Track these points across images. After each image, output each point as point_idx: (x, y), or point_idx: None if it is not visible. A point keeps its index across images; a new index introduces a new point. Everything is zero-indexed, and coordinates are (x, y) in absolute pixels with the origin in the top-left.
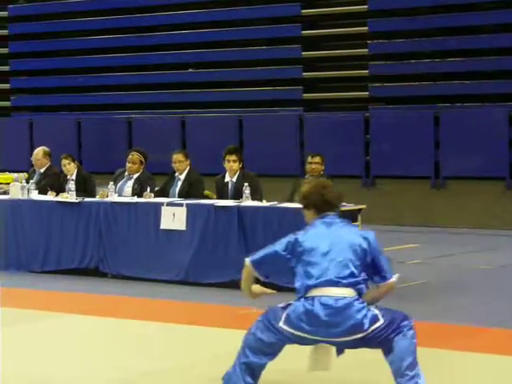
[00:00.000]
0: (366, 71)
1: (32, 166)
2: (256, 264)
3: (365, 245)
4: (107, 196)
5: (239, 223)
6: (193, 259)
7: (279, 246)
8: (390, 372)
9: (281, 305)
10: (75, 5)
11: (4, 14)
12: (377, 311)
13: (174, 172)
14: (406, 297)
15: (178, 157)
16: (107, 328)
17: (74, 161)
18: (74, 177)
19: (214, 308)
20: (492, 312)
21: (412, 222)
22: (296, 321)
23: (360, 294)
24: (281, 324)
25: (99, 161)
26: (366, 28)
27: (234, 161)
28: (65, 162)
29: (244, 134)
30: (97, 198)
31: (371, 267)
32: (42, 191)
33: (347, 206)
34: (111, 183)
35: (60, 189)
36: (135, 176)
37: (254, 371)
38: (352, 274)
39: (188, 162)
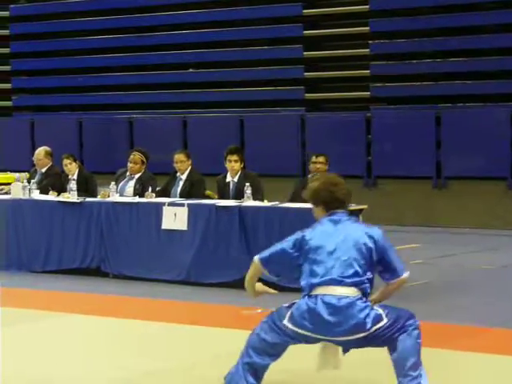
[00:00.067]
0: (368, 71)
1: (33, 165)
2: (265, 262)
3: (371, 243)
4: (108, 196)
5: (240, 223)
6: (194, 259)
7: (287, 243)
8: (393, 371)
9: (286, 304)
10: (76, 5)
11: (5, 13)
12: (381, 311)
13: (176, 172)
14: (407, 297)
15: (179, 157)
16: (109, 328)
17: (75, 161)
18: (75, 177)
19: (215, 308)
20: (494, 312)
21: (414, 222)
22: (299, 319)
23: (364, 293)
24: (285, 322)
25: (100, 161)
26: (367, 28)
27: (236, 161)
28: (66, 161)
29: (245, 134)
30: (98, 198)
31: (381, 265)
32: (44, 191)
33: (349, 206)
34: (113, 183)
35: (61, 189)
36: (137, 176)
37: (256, 371)
38: (356, 274)
39: (189, 162)
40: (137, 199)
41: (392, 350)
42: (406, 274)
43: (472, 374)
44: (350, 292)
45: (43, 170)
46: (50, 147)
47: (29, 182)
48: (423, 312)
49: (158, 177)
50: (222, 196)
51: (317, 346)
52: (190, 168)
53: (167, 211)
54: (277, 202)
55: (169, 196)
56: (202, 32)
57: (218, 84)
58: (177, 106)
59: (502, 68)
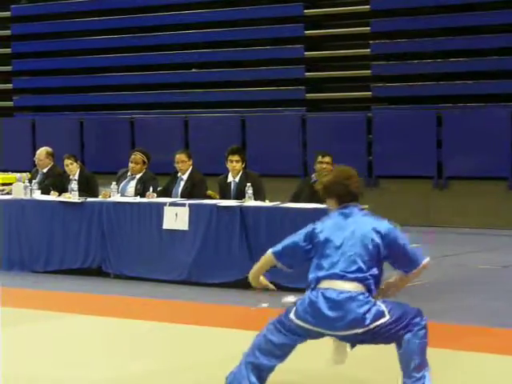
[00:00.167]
0: (369, 71)
1: (35, 165)
2: (278, 255)
3: (378, 239)
4: (110, 196)
5: (242, 223)
6: (195, 259)
7: (298, 236)
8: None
9: (293, 300)
10: (78, 5)
11: (6, 14)
12: (383, 307)
13: (177, 172)
14: (407, 297)
15: (180, 157)
16: (110, 328)
17: (76, 161)
18: (76, 177)
19: (216, 308)
20: (495, 312)
21: (414, 222)
22: (302, 313)
23: (368, 289)
24: (291, 315)
25: (102, 161)
26: (368, 28)
27: (237, 161)
28: (67, 161)
29: (247, 134)
30: (99, 198)
31: (395, 259)
32: (45, 191)
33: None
34: (114, 183)
35: (63, 189)
36: (138, 176)
37: (261, 372)
38: (359, 269)
39: (191, 162)
40: (138, 199)
41: (398, 346)
42: (425, 260)
43: (472, 373)
44: (352, 287)
45: (44, 171)
46: (51, 147)
47: (30, 182)
48: (424, 312)
49: (159, 177)
50: (224, 196)
51: (318, 345)
52: (191, 168)
53: (168, 211)
54: (278, 202)
55: (170, 196)
56: (203, 32)
57: (219, 84)
58: (178, 106)
59: (503, 68)
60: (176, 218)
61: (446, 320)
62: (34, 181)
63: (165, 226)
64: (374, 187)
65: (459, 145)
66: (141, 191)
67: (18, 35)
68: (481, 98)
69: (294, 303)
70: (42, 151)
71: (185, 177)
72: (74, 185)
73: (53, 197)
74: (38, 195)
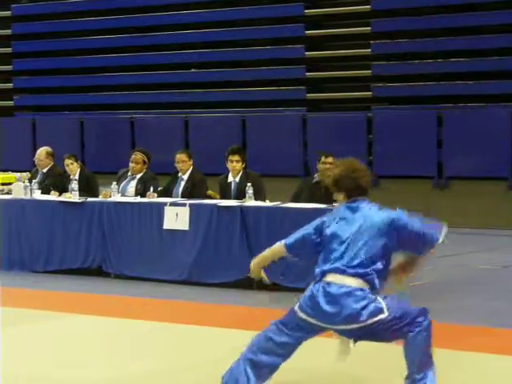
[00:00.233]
0: (369, 71)
1: (35, 165)
2: (289, 247)
3: (385, 232)
4: (110, 196)
5: (242, 223)
6: (196, 259)
7: (309, 229)
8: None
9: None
10: (78, 5)
11: (7, 13)
12: (383, 304)
13: (177, 172)
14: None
15: (181, 157)
16: (110, 328)
17: (76, 160)
18: (76, 176)
19: (217, 308)
20: (495, 312)
21: None
22: (304, 305)
23: (371, 284)
24: (295, 308)
25: (102, 160)
26: (368, 28)
27: (237, 161)
28: (68, 161)
29: (247, 134)
30: (100, 198)
31: (410, 242)
32: (45, 191)
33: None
34: (114, 183)
35: (63, 189)
36: (138, 176)
37: (260, 370)
38: (361, 264)
39: (191, 162)
40: (138, 199)
41: (403, 345)
42: (441, 237)
43: (472, 373)
44: (352, 282)
45: (45, 170)
46: (51, 147)
47: (30, 182)
48: None
49: (159, 177)
50: (224, 196)
51: (320, 345)
52: (191, 168)
53: (169, 211)
54: (278, 202)
55: (170, 196)
56: (203, 32)
57: (219, 84)
58: (178, 106)
59: (504, 68)
60: (176, 217)
61: (446, 320)
62: (34, 180)
63: (165, 226)
64: (375, 187)
65: (459, 145)
66: (141, 191)
67: (19, 35)
68: (481, 98)
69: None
70: (41, 151)
71: (185, 177)
72: (74, 185)
73: (53, 197)
74: (38, 195)
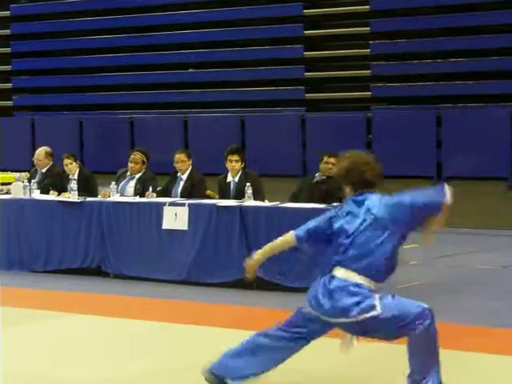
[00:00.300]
0: (368, 71)
1: (34, 165)
2: (301, 239)
3: (388, 221)
4: (109, 196)
5: (241, 223)
6: (195, 259)
7: (321, 222)
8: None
9: None
10: (77, 5)
11: (6, 13)
12: (377, 302)
13: (176, 172)
14: (407, 297)
15: (180, 157)
16: (109, 328)
17: (75, 160)
18: (75, 176)
19: (216, 308)
20: (495, 312)
21: None
22: (309, 296)
23: (373, 279)
24: (306, 303)
25: (101, 160)
26: (368, 28)
27: (236, 161)
28: (67, 161)
29: (246, 134)
30: (99, 198)
31: (418, 214)
32: (44, 191)
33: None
34: (113, 183)
35: (62, 188)
36: (137, 176)
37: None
38: (363, 259)
39: (190, 162)
40: (137, 199)
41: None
42: (447, 197)
43: (472, 374)
44: (352, 276)
45: (44, 170)
46: (50, 147)
47: (29, 182)
48: None
49: (158, 177)
50: (223, 196)
51: (319, 346)
52: (190, 168)
53: (168, 211)
54: (277, 202)
55: (169, 196)
56: (202, 32)
57: (218, 84)
58: (177, 106)
59: (503, 68)
60: (175, 217)
61: (446, 320)
62: (33, 180)
63: (164, 226)
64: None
65: (459, 145)
66: (140, 191)
67: (18, 35)
68: (480, 98)
69: None
70: (40, 151)
71: (184, 177)
72: (73, 184)
73: (52, 196)
74: (37, 195)
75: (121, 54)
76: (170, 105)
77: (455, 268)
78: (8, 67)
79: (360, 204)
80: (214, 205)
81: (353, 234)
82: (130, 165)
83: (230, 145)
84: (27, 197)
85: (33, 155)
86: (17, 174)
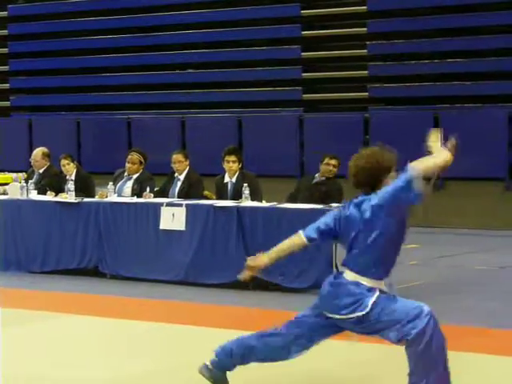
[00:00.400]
0: (366, 72)
1: (31, 166)
2: (312, 239)
3: (379, 218)
4: (106, 196)
5: (238, 224)
6: (192, 259)
7: (327, 222)
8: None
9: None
10: (74, 5)
11: (3, 13)
12: (370, 302)
13: (174, 172)
14: (405, 298)
15: (177, 157)
16: (107, 328)
17: (73, 161)
18: (73, 177)
19: (213, 308)
20: (492, 313)
21: (412, 223)
22: (320, 292)
23: (371, 278)
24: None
25: (98, 161)
26: (365, 29)
27: (234, 161)
28: (64, 162)
29: (243, 135)
30: (96, 199)
31: (399, 195)
32: (41, 191)
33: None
34: (110, 183)
35: (59, 189)
36: (135, 176)
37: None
38: (360, 259)
39: (187, 163)
40: (135, 199)
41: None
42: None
43: (470, 374)
44: (351, 276)
45: (41, 171)
46: (47, 147)
47: (26, 182)
48: None
49: (156, 177)
50: (220, 196)
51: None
52: (187, 168)
53: (165, 211)
54: (275, 203)
55: (167, 196)
56: (199, 32)
57: (215, 84)
58: (175, 107)
59: (500, 69)
60: (173, 218)
61: (443, 321)
62: (30, 181)
63: (162, 227)
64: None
65: (456, 145)
66: (137, 191)
67: (15, 35)
68: (478, 98)
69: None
70: (37, 152)
71: (182, 177)
72: (70, 185)
73: (49, 197)
74: (34, 195)
75: (119, 54)
76: (168, 105)
77: (452, 268)
78: (5, 67)
79: (359, 206)
80: (211, 205)
81: (353, 234)
82: (128, 165)
83: (228, 145)
84: (24, 197)
85: (30, 156)
86: (14, 175)
